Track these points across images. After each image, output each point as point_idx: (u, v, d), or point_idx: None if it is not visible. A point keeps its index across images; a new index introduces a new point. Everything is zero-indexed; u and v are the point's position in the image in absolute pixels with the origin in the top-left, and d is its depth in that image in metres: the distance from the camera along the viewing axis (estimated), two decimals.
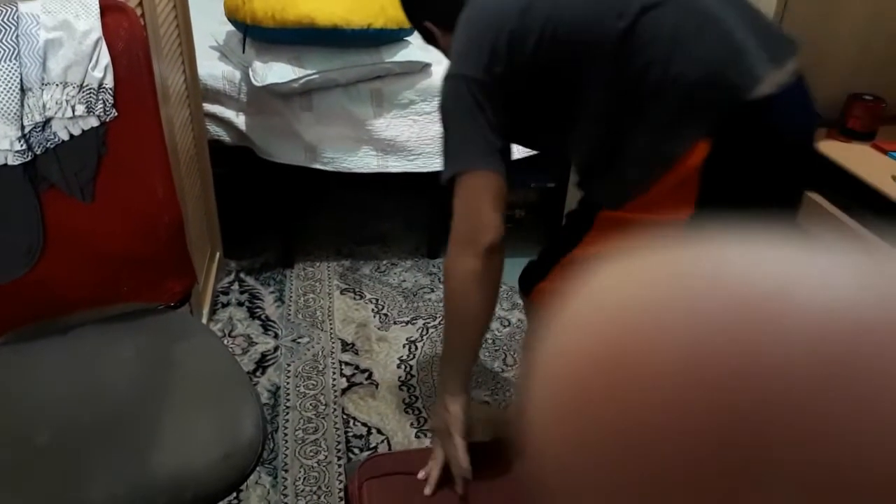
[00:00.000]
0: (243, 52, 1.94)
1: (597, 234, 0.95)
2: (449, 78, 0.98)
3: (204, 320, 1.79)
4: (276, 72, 1.83)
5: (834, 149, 1.22)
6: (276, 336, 1.88)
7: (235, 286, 2.07)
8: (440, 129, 1.01)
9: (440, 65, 1.91)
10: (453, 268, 0.99)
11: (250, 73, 1.87)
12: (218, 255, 2.03)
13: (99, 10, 1.01)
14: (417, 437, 1.58)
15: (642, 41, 0.83)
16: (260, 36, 1.90)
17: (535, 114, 0.99)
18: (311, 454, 1.53)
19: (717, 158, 0.80)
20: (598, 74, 0.87)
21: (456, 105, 0.97)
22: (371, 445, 1.56)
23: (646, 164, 0.84)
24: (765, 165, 0.83)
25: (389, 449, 1.55)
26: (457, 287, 0.99)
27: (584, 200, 1.06)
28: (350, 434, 1.58)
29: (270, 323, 1.93)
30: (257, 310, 1.97)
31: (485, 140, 0.95)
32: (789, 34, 0.92)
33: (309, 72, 1.85)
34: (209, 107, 1.96)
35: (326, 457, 1.52)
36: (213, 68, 1.97)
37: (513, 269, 1.14)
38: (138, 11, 1.25)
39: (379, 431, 1.59)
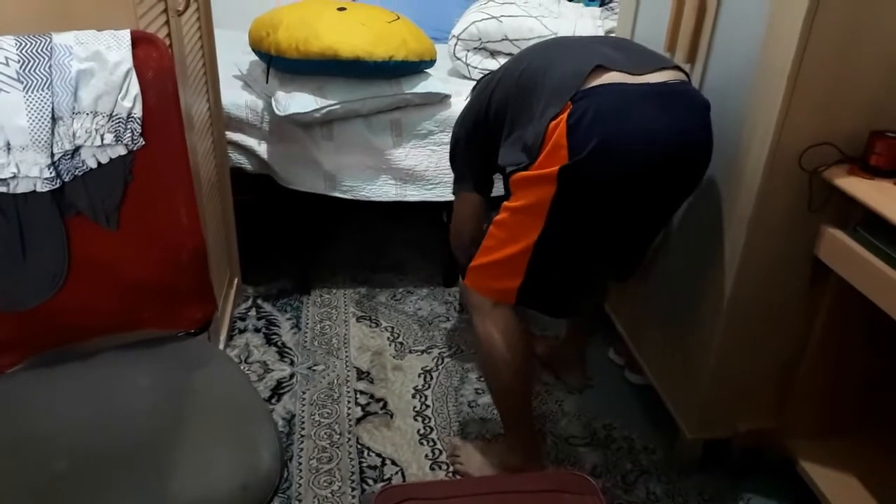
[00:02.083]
0: (267, 82, 1.97)
1: (515, 194, 1.31)
2: (457, 127, 1.65)
3: (221, 346, 1.79)
4: (298, 102, 1.86)
5: (856, 185, 1.21)
6: (291, 363, 1.88)
7: (252, 312, 2.08)
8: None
9: (459, 96, 1.93)
10: (451, 239, 1.77)
11: (273, 103, 1.90)
12: (236, 281, 2.04)
13: (130, 41, 1.03)
14: (432, 469, 1.57)
15: (533, 66, 1.34)
16: (283, 66, 1.93)
17: (493, 140, 1.45)
18: (325, 484, 1.51)
19: (575, 125, 1.18)
20: (510, 99, 1.39)
21: (458, 142, 1.65)
22: (385, 476, 1.54)
23: (538, 128, 1.24)
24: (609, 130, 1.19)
25: (404, 480, 1.53)
26: (453, 244, 1.77)
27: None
28: (364, 464, 1.57)
29: (286, 350, 1.93)
30: (274, 336, 1.98)
31: (472, 171, 1.65)
32: (664, 56, 1.41)
33: (330, 102, 1.87)
34: (231, 135, 1.99)
35: (340, 487, 1.51)
36: (236, 97, 2.00)
37: None
38: (167, 42, 1.28)
39: (393, 462, 1.58)
